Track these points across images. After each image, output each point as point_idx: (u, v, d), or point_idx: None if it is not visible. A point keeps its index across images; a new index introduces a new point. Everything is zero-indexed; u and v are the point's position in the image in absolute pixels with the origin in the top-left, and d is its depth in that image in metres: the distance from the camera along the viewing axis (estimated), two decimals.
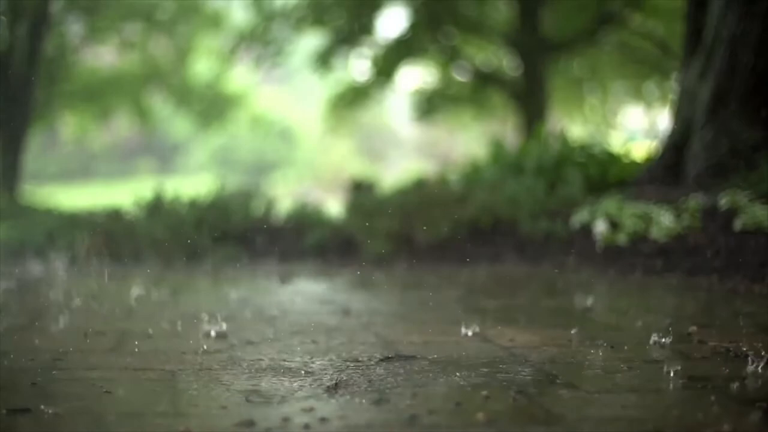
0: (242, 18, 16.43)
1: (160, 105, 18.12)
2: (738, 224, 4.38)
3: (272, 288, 4.35)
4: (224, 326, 2.62)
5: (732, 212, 4.52)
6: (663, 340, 2.34)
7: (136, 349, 2.29)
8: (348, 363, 2.09)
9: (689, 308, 3.40)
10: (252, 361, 2.14)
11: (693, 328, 2.56)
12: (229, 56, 16.41)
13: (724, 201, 4.66)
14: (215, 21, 16.50)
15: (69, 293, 3.74)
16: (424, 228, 5.63)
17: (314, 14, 15.04)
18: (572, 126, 16.31)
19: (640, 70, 15.56)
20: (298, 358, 2.17)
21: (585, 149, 6.72)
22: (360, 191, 8.29)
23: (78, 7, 15.21)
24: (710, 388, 1.78)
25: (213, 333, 2.57)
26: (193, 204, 6.52)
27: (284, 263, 5.72)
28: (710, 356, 2.15)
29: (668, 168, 5.84)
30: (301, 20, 15.20)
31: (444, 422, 1.53)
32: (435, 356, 2.17)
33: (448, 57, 15.39)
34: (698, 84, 5.75)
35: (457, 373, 1.96)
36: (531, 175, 6.31)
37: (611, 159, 6.64)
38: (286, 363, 2.11)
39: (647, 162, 6.41)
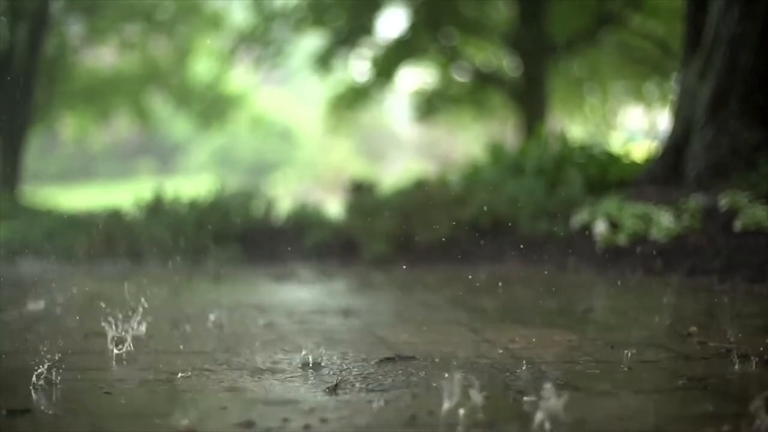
0: (242, 18, 16.43)
1: (160, 105, 18.13)
2: (738, 224, 4.38)
3: (272, 288, 4.35)
4: (224, 326, 2.62)
5: (732, 212, 4.52)
6: (663, 340, 2.34)
7: (136, 350, 2.29)
8: (348, 363, 2.09)
9: (689, 309, 3.40)
10: (252, 361, 2.14)
11: (693, 329, 2.56)
12: (229, 57, 16.41)
13: (724, 201, 4.65)
14: (215, 21, 16.50)
15: (69, 294, 3.75)
16: (424, 228, 5.63)
17: (314, 15, 15.04)
18: (572, 126, 16.30)
19: (640, 70, 15.55)
20: (298, 359, 2.17)
21: (585, 150, 6.72)
22: (360, 192, 8.28)
23: (78, 7, 15.22)
24: (710, 388, 1.78)
25: (213, 333, 2.56)
26: (193, 204, 6.53)
27: (284, 263, 5.72)
28: (710, 357, 2.15)
29: (668, 168, 5.84)
30: (301, 21, 15.20)
31: (444, 423, 1.53)
32: (435, 357, 2.17)
33: (448, 57, 15.39)
34: (698, 84, 5.75)
35: (457, 374, 1.96)
36: (531, 175, 6.30)
37: (611, 159, 6.63)
38: (287, 363, 2.11)
39: (647, 162, 6.40)
